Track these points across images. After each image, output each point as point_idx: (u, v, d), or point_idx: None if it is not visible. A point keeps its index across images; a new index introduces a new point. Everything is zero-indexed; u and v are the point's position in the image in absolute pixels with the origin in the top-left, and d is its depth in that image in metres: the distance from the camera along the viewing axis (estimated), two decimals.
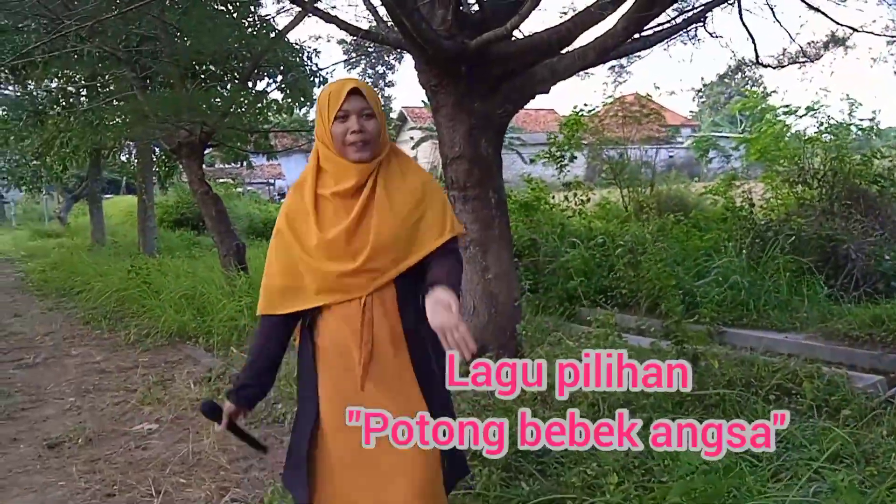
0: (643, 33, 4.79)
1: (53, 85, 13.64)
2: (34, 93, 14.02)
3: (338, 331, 1.87)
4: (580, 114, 10.38)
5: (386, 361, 1.85)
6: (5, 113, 15.21)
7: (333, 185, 1.86)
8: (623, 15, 4.00)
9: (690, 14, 5.27)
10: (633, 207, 9.89)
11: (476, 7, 4.75)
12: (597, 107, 10.72)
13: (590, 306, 6.75)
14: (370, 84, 3.32)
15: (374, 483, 1.84)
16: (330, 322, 1.89)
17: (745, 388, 3.91)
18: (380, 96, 1.97)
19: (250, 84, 12.27)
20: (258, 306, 1.95)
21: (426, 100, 5.79)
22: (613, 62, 7.92)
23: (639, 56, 6.56)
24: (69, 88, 13.63)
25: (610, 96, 11.14)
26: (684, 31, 5.63)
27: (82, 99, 13.39)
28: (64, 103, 13.50)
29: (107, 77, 11.51)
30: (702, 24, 5.55)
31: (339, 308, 1.86)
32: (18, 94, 14.34)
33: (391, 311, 1.87)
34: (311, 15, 5.10)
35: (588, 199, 8.24)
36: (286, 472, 2.03)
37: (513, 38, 4.49)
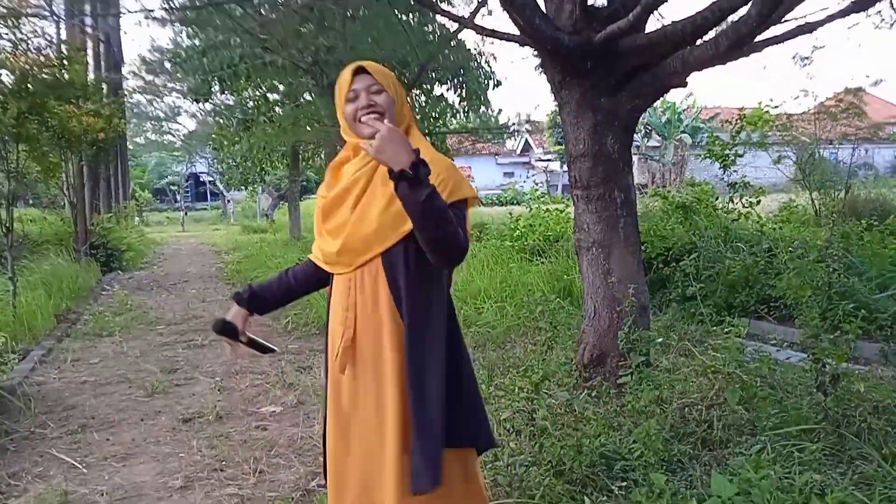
0: (808, 18, 4.36)
1: (257, 94, 14.96)
2: (245, 103, 15.50)
3: (334, 303, 1.91)
4: (764, 109, 9.64)
5: (368, 342, 1.83)
6: (222, 120, 17.01)
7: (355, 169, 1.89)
8: None
9: None
10: (820, 211, 8.98)
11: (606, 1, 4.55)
12: (783, 102, 9.85)
13: (750, 317, 6.24)
14: None
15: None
16: (333, 291, 1.93)
17: None
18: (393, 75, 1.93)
19: (427, 88, 12.73)
20: None
21: None
22: (794, 52, 7.29)
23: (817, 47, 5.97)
24: (270, 97, 14.91)
25: (804, 90, 10.22)
26: (866, 11, 5.03)
27: (285, 107, 14.57)
28: (265, 111, 14.78)
29: (294, 86, 12.40)
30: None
31: (338, 279, 1.91)
32: (233, 103, 15.94)
33: (380, 285, 1.82)
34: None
35: (758, 201, 7.57)
36: None
37: (644, 31, 4.27)
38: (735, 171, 8.12)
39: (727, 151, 7.71)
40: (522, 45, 4.76)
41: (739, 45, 3.90)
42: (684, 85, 4.39)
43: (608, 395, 3.93)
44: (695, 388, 3.95)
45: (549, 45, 4.05)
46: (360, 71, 1.86)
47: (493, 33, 4.64)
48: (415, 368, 1.77)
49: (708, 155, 7.97)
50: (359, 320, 1.83)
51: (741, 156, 7.90)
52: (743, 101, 35.84)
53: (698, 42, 4.08)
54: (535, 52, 5.04)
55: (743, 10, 3.82)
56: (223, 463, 3.55)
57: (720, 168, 7.78)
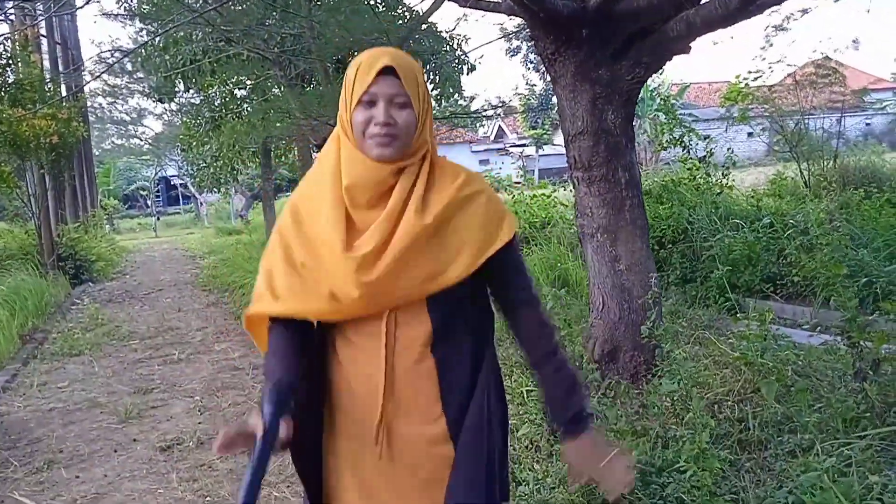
0: None
1: (224, 90, 14.43)
2: (213, 100, 14.94)
3: (357, 360, 1.44)
4: (743, 82, 9.39)
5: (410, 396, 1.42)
6: (189, 120, 16.45)
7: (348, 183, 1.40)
8: None
9: None
10: (810, 183, 8.73)
11: None
12: (762, 72, 9.60)
13: (755, 297, 5.95)
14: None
15: None
16: (347, 348, 1.45)
17: None
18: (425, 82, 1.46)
19: None
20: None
21: None
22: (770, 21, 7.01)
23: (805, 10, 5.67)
24: (237, 93, 14.38)
25: (780, 60, 10.00)
26: None
27: (253, 102, 14.07)
28: (233, 107, 14.26)
29: (262, 79, 11.94)
30: None
31: (358, 327, 1.43)
32: (199, 101, 15.41)
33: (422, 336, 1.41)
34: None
35: (729, 170, 7.34)
36: None
37: None
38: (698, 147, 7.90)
39: (674, 134, 7.45)
40: (509, 14, 4.39)
41: (751, 1, 3.56)
42: (688, 51, 4.06)
43: (626, 395, 3.60)
44: (719, 382, 3.64)
45: (539, 13, 3.69)
46: (386, 71, 1.36)
47: (477, 3, 4.26)
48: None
49: (666, 146, 7.70)
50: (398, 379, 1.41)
51: (691, 130, 7.66)
52: (712, 76, 35.75)
53: (703, 1, 3.76)
54: (524, 23, 4.67)
55: None
56: (206, 499, 3.16)
57: (682, 150, 7.52)
